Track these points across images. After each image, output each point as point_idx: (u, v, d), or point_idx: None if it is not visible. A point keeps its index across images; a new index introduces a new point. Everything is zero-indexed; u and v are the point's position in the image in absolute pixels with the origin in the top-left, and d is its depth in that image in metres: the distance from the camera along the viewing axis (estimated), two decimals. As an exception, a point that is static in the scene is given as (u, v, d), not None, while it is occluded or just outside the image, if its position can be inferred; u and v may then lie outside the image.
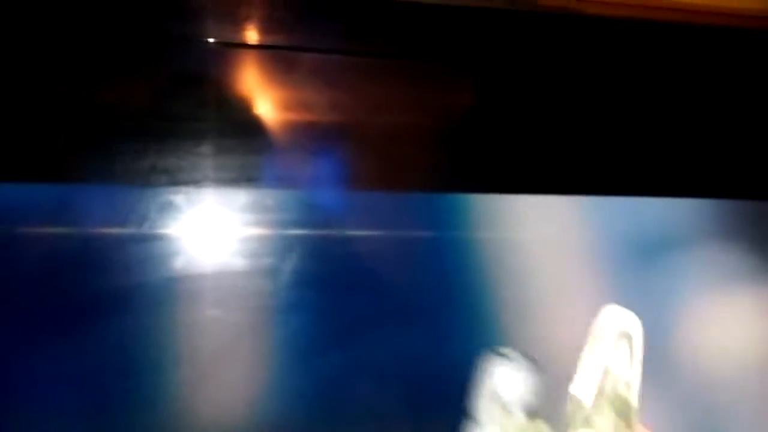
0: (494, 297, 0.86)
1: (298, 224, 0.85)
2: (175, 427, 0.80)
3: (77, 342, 0.79)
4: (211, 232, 0.84)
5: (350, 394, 0.79)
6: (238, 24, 0.85)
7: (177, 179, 0.83)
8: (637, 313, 0.88)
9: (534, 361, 0.64)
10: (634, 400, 0.64)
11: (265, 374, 0.83)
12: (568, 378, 0.81)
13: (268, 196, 0.84)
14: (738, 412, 0.94)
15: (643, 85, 0.94)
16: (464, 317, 0.80)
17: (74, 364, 0.79)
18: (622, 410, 0.62)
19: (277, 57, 0.85)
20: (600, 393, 0.63)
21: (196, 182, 0.83)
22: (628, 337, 0.66)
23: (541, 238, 0.89)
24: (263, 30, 0.85)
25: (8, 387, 0.78)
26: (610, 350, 0.64)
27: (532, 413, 0.62)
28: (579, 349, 0.80)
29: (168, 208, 0.83)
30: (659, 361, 0.90)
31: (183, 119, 0.83)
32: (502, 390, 0.60)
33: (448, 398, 0.79)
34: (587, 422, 0.61)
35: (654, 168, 0.94)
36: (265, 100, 0.86)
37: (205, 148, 0.83)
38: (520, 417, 0.59)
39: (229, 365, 0.82)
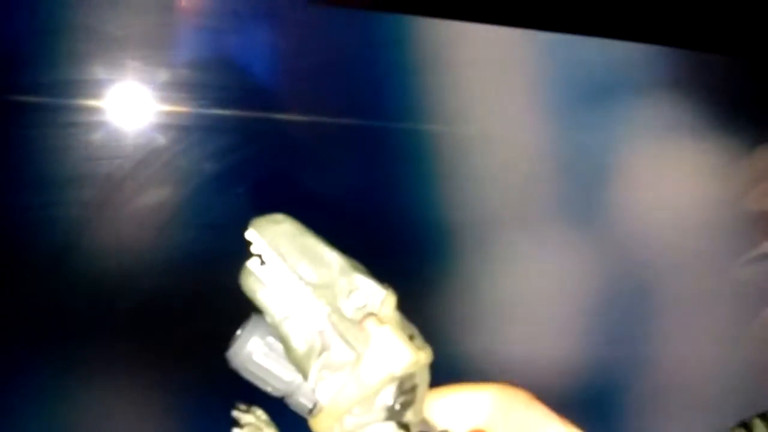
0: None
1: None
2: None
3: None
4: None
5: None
6: None
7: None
8: (577, 157, 0.86)
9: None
10: None
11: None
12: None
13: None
14: (673, 264, 0.90)
15: None
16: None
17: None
18: None
19: None
20: None
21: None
22: None
23: (484, 71, 0.83)
24: None
25: None
26: None
27: None
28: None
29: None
30: (594, 208, 0.87)
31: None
32: None
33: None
34: None
35: (608, 7, 0.87)
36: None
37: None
38: None
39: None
